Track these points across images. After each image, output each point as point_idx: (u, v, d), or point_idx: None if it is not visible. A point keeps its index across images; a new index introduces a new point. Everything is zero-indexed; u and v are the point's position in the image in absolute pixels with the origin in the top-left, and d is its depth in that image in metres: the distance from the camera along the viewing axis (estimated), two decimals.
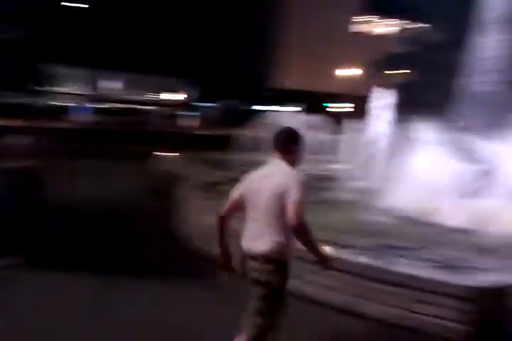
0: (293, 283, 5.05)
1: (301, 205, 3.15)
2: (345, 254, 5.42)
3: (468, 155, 7.76)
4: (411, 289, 4.43)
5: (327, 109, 50.40)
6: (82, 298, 4.99)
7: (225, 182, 10.73)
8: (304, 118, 18.24)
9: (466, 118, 9.34)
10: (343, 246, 6.08)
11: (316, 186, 11.28)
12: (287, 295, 3.27)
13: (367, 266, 4.81)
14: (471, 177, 7.55)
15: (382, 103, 13.42)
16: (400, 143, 9.19)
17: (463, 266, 5.33)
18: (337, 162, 13.87)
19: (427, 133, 8.52)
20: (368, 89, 16.72)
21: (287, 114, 20.56)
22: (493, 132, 8.82)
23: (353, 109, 41.57)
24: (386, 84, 13.49)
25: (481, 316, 4.21)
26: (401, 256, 5.82)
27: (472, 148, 7.83)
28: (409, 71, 32.26)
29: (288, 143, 3.36)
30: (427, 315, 4.35)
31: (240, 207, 3.38)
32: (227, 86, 52.52)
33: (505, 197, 7.17)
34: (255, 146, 17.50)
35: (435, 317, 4.32)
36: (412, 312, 4.41)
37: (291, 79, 54.21)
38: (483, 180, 7.40)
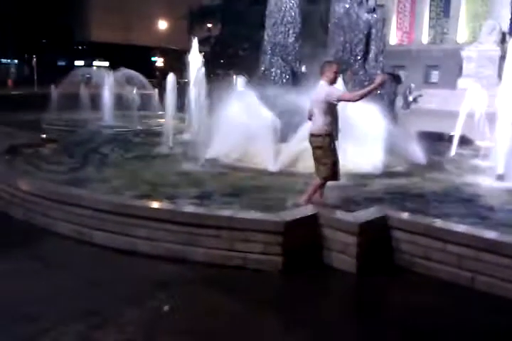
0: (120, 239, 5.13)
1: (344, 95, 5.60)
2: (170, 205, 5.58)
3: (274, 104, 8.30)
4: (230, 230, 4.74)
5: (150, 64, 49.09)
6: None
7: (38, 144, 10.06)
8: (121, 73, 17.68)
9: (269, 68, 9.86)
10: (168, 198, 6.22)
11: (142, 141, 11.21)
12: None
13: (189, 214, 4.99)
14: (281, 123, 8.11)
15: (197, 55, 13.55)
16: (218, 94, 9.43)
17: (276, 205, 5.85)
18: (162, 117, 13.80)
19: (239, 83, 8.86)
20: (185, 42, 16.66)
21: (102, 69, 19.51)
22: (290, 80, 9.56)
23: (171, 63, 41.06)
24: (201, 36, 13.49)
25: (289, 246, 4.70)
26: (228, 202, 6.18)
27: (276, 97, 8.37)
28: (220, 23, 32.51)
29: (325, 71, 5.61)
30: (246, 252, 4.72)
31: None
32: (36, 39, 47.76)
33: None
34: (70, 104, 16.54)
35: (253, 253, 4.70)
36: (233, 250, 4.74)
37: (104, 33, 51.37)
38: (292, 125, 8.00)
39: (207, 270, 4.72)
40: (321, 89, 5.57)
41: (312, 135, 5.67)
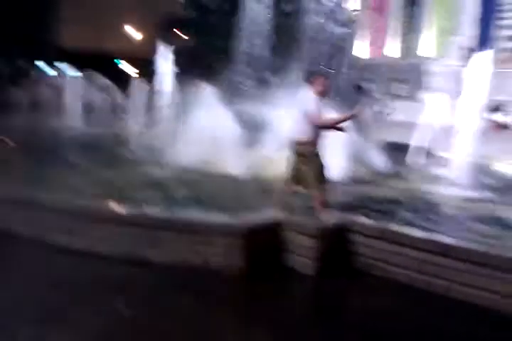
0: (79, 241, 5.06)
1: (315, 115, 5.44)
2: (131, 208, 5.53)
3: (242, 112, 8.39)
4: (193, 234, 4.74)
5: (118, 70, 48.66)
6: None
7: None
8: (94, 80, 17.56)
9: (242, 79, 9.98)
10: (130, 201, 6.17)
11: (107, 145, 11.09)
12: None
13: (151, 217, 4.98)
14: (246, 130, 8.20)
15: (168, 65, 13.61)
16: (184, 102, 9.47)
17: (243, 207, 5.86)
18: (127, 121, 13.71)
19: (207, 92, 8.93)
20: (155, 52, 16.73)
21: (74, 77, 19.37)
22: (262, 92, 9.70)
23: (140, 71, 40.91)
24: (171, 47, 13.55)
25: (251, 250, 4.72)
26: (189, 205, 6.17)
27: (243, 107, 8.47)
28: (192, 34, 32.51)
29: (313, 83, 5.57)
30: (208, 255, 4.71)
31: None
32: (6, 50, 46.84)
33: (275, 147, 8.01)
34: (40, 111, 16.31)
35: (215, 256, 4.70)
36: (195, 254, 4.74)
37: (75, 40, 50.87)
38: (258, 132, 8.10)
39: (167, 272, 4.69)
40: (306, 100, 5.55)
41: (296, 143, 5.60)
